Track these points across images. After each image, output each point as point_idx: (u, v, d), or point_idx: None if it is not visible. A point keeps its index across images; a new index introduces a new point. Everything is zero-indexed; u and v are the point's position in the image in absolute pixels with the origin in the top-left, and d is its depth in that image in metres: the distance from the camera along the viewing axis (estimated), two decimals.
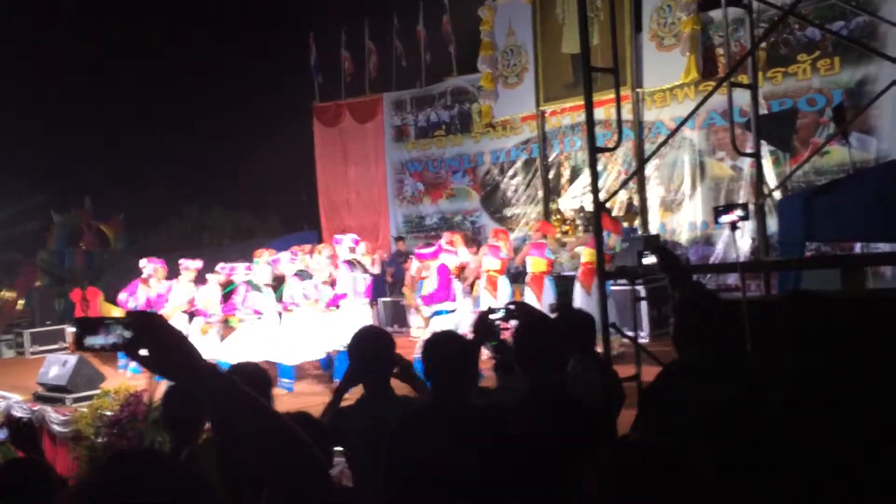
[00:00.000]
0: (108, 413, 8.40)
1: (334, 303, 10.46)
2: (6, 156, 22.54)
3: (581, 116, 14.24)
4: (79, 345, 1.68)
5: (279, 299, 10.89)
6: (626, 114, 13.49)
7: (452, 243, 10.96)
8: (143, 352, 1.61)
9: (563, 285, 11.49)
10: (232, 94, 26.19)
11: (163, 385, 7.84)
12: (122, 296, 12.23)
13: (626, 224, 13.23)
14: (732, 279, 11.49)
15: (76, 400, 9.45)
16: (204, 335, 10.96)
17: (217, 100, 26.15)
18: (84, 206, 25.55)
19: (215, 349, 10.48)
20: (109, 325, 1.63)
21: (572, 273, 11.45)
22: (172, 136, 26.61)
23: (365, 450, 3.40)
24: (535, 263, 10.89)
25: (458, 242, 11.13)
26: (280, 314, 10.86)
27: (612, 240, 10.21)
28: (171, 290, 11.62)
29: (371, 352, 3.63)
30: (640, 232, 13.16)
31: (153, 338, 1.61)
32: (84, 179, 26.03)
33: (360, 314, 10.50)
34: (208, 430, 3.76)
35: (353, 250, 11.03)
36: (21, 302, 21.05)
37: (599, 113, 12.23)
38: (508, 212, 16.04)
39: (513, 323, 3.89)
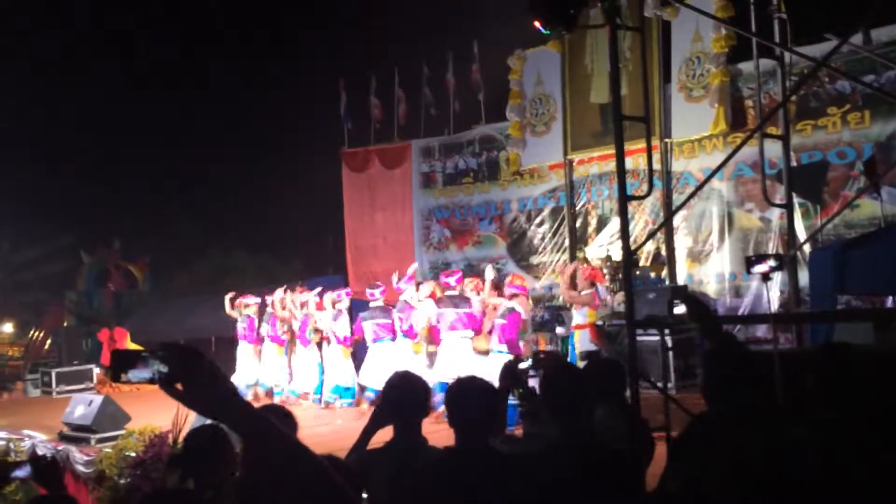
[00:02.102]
0: (133, 454, 8.40)
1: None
2: (37, 197, 22.90)
3: (609, 166, 14.28)
4: (115, 378, 1.68)
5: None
6: (655, 164, 13.41)
7: (524, 280, 11.15)
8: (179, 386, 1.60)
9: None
10: (261, 139, 26.55)
11: (188, 426, 7.84)
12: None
13: (653, 274, 13.16)
14: (762, 331, 11.36)
15: (101, 440, 9.48)
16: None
17: (246, 144, 26.54)
18: (113, 247, 25.84)
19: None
20: (147, 359, 1.63)
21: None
22: (201, 179, 26.96)
23: (390, 495, 3.36)
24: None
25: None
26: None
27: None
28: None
29: (405, 397, 3.62)
30: (667, 283, 13.08)
31: (187, 372, 1.60)
32: (113, 221, 26.43)
33: (456, 348, 10.88)
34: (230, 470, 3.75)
35: (449, 285, 11.43)
36: (48, 341, 21.23)
37: (627, 162, 12.18)
38: (535, 259, 16.01)
39: (541, 372, 3.87)
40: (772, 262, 4.68)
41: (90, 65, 26.32)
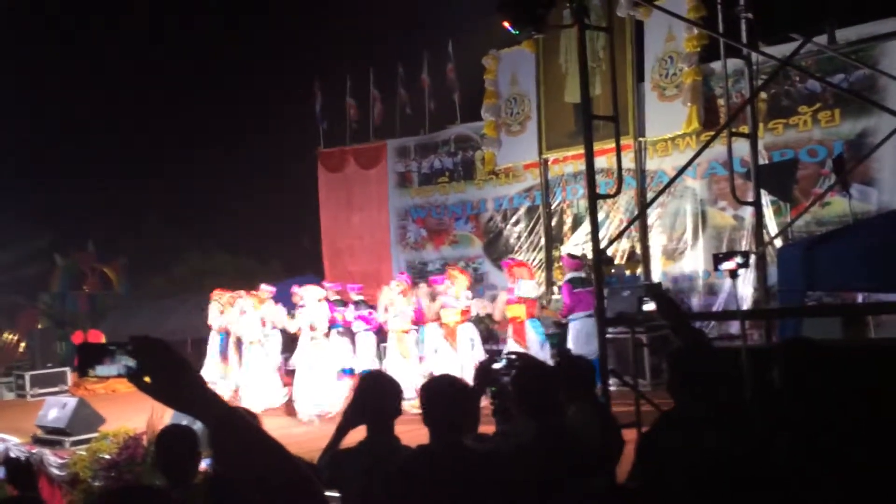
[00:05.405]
0: (107, 456, 8.37)
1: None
2: (10, 199, 22.68)
3: (583, 165, 14.32)
4: (82, 373, 1.65)
5: None
6: (629, 163, 13.56)
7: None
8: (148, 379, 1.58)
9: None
10: (237, 139, 26.40)
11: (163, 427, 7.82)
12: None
13: (628, 272, 13.23)
14: (734, 327, 11.47)
15: (75, 443, 9.42)
16: None
17: (222, 144, 26.35)
18: (87, 249, 25.66)
19: None
20: (114, 353, 1.60)
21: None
22: (176, 180, 26.77)
23: (363, 494, 3.38)
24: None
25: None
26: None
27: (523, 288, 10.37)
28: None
29: (379, 397, 3.64)
30: (642, 280, 13.16)
31: (156, 365, 1.58)
32: (87, 223, 26.18)
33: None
34: (202, 472, 3.77)
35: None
36: (22, 344, 21.05)
37: (602, 161, 12.29)
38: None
39: (513, 371, 3.91)
40: (738, 259, 4.74)
41: (62, 66, 26.06)
